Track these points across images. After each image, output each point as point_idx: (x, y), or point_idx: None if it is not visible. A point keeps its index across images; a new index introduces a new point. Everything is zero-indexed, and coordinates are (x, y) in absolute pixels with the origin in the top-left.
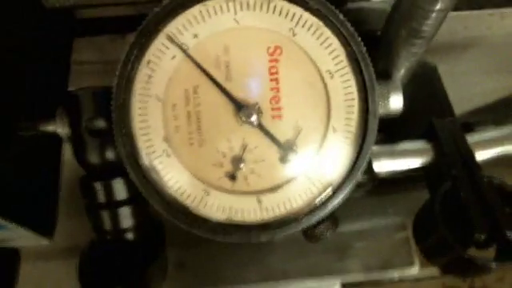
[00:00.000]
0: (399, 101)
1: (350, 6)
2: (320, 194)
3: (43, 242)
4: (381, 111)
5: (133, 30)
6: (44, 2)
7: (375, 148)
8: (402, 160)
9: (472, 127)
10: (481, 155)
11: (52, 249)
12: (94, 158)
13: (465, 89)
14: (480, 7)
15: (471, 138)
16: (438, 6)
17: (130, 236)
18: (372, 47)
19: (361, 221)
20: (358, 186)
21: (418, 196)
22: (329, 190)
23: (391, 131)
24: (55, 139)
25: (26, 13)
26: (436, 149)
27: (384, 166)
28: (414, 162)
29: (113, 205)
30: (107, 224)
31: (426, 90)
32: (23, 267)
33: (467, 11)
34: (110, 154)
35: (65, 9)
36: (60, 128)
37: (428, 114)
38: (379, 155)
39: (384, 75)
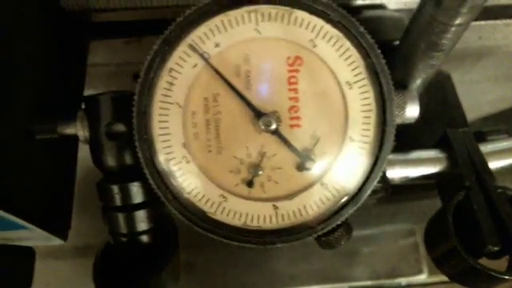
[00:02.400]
0: (415, 110)
1: (366, 14)
2: (336, 202)
3: (57, 242)
4: (397, 120)
5: (148, 33)
6: (62, 3)
7: (389, 156)
8: (415, 168)
9: (485, 136)
10: (494, 165)
11: (64, 248)
12: (111, 161)
13: (478, 96)
14: (495, 17)
15: (484, 148)
16: (458, 21)
17: (144, 239)
18: (387, 56)
19: (369, 227)
20: (372, 193)
21: (426, 203)
22: (345, 199)
23: (404, 138)
24: (71, 141)
25: (43, 15)
26: (449, 158)
27: (398, 173)
28: (428, 171)
29: (129, 208)
30: (123, 227)
31: (439, 98)
32: (36, 265)
33: (482, 21)
34: (127, 158)
35: (82, 12)
36: (80, 131)
37: (441, 122)
38: (393, 163)
39: (400, 84)
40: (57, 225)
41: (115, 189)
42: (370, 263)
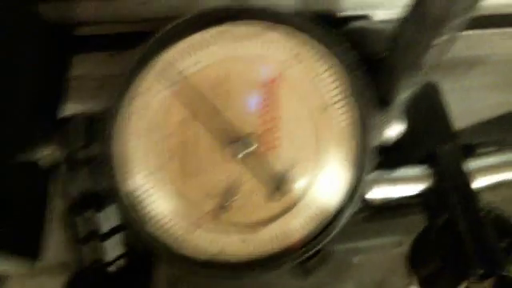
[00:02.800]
0: (399, 129)
1: (352, 26)
2: (312, 229)
3: (28, 267)
4: (380, 139)
5: (131, 46)
6: (44, 16)
7: (372, 175)
8: (399, 187)
9: (474, 150)
10: (481, 182)
11: (41, 265)
12: (82, 187)
13: (467, 104)
14: (483, 27)
15: (472, 165)
16: (438, 41)
17: (116, 267)
18: (374, 69)
19: (357, 239)
20: (353, 214)
21: (413, 217)
22: (322, 225)
23: (389, 151)
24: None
25: (24, 28)
26: (435, 176)
27: (381, 193)
28: (412, 190)
29: (100, 236)
30: (95, 254)
31: (426, 110)
32: (9, 284)
33: (470, 31)
34: (99, 184)
35: (63, 25)
36: (53, 155)
37: (428, 134)
38: (376, 182)
39: (384, 101)
40: (28, 249)
41: (86, 216)
42: (359, 275)
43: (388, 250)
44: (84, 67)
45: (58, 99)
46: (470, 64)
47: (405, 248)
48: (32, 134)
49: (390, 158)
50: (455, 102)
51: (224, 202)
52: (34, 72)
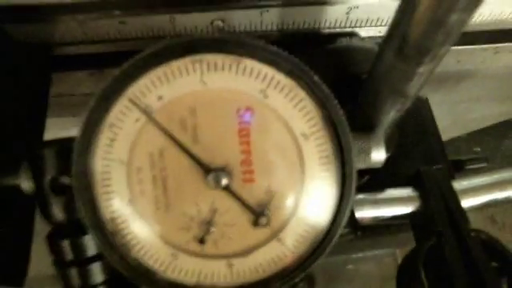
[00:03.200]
0: (381, 155)
1: (338, 44)
2: (294, 258)
3: None
4: (362, 166)
5: (110, 65)
6: (14, 37)
7: (359, 196)
8: (386, 209)
9: (463, 165)
10: (469, 203)
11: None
12: (59, 215)
13: (457, 115)
14: (472, 43)
15: (459, 185)
16: (421, 70)
17: None
18: (359, 89)
19: (351, 252)
20: (343, 234)
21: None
22: (304, 254)
23: (378, 172)
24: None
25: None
26: (422, 199)
27: (368, 214)
28: (399, 212)
29: (82, 262)
30: (77, 281)
31: (415, 126)
32: None
33: (460, 46)
34: (76, 212)
35: (36, 44)
36: (24, 184)
37: (417, 152)
38: (364, 204)
39: (366, 125)
40: (11, 274)
41: (66, 243)
42: (353, 283)
43: (382, 261)
44: (64, 86)
45: (37, 119)
46: (458, 78)
47: (398, 259)
48: (9, 156)
49: (378, 177)
50: (444, 114)
51: (208, 228)
52: (13, 93)
